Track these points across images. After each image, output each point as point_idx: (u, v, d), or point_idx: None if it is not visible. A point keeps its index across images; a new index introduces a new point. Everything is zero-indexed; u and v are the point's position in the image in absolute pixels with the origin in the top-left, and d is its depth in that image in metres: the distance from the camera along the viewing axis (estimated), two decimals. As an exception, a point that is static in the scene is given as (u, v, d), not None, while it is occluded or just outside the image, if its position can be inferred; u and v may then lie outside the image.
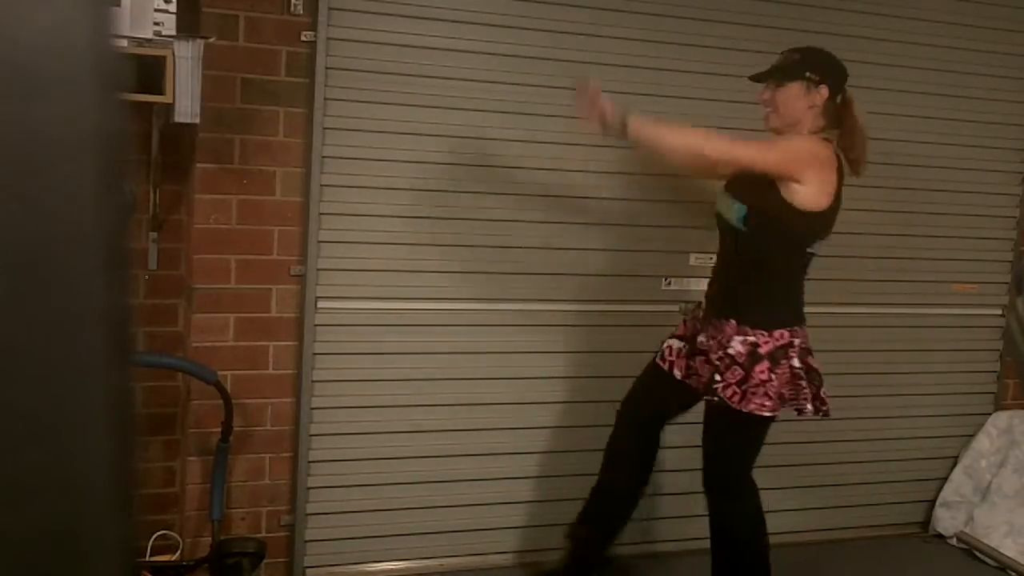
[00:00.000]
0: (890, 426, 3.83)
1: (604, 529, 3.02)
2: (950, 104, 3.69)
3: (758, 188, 2.61)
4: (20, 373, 0.63)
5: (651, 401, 2.96)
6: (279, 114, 3.00)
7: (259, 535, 3.10)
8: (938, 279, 3.81)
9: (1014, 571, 3.58)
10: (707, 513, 2.86)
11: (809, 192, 2.58)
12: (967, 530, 3.80)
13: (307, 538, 3.22)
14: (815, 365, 2.71)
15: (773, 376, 2.60)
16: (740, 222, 2.64)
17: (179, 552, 3.09)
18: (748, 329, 2.63)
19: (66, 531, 0.66)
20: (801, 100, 2.66)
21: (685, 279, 3.43)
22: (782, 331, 2.64)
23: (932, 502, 3.90)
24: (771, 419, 2.68)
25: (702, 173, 3.00)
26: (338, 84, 3.03)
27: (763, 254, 2.68)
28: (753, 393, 2.59)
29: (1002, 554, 3.63)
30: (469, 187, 3.19)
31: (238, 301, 3.03)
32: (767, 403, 2.60)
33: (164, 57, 2.68)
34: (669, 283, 3.45)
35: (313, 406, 3.14)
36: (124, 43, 2.62)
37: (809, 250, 2.69)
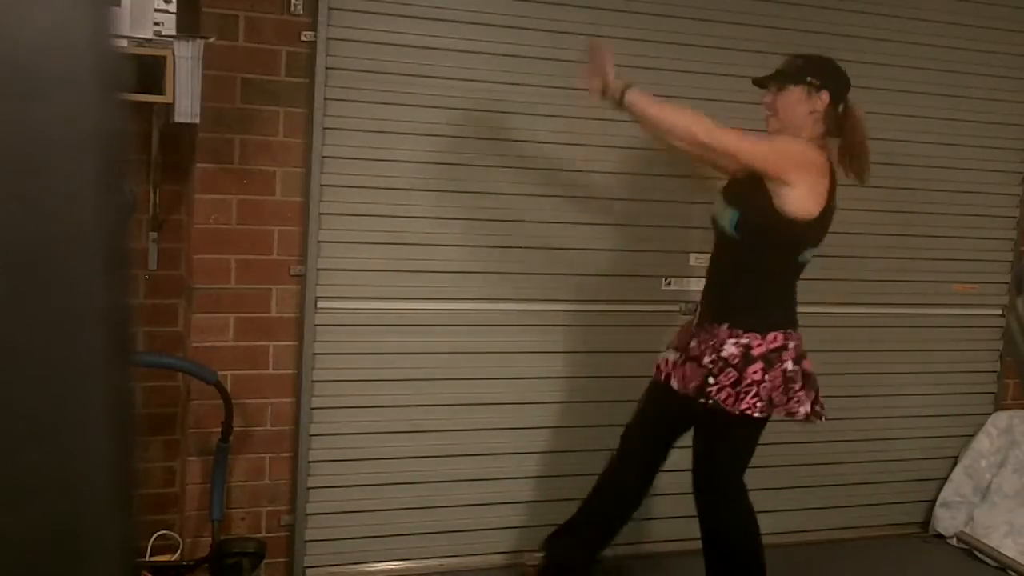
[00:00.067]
0: (890, 426, 3.83)
1: (603, 529, 3.01)
2: (950, 104, 3.69)
3: (750, 195, 2.61)
4: (20, 373, 0.63)
5: (653, 424, 2.92)
6: (279, 114, 3.00)
7: (259, 535, 3.10)
8: (938, 279, 3.81)
9: (1014, 571, 3.58)
10: (699, 514, 2.84)
11: (799, 199, 2.57)
12: (967, 530, 3.80)
13: (307, 538, 3.22)
14: (809, 369, 2.71)
15: (766, 378, 2.60)
16: (732, 228, 2.64)
17: (179, 552, 3.09)
18: (741, 332, 2.62)
19: (66, 531, 0.66)
20: (801, 105, 2.66)
21: (685, 279, 3.43)
22: (775, 333, 2.63)
23: (932, 502, 3.90)
24: (763, 422, 2.67)
25: (699, 159, 2.96)
26: (338, 84, 3.03)
27: (754, 260, 2.67)
28: (746, 393, 2.59)
29: (1002, 554, 3.63)
30: (469, 187, 3.19)
31: (238, 301, 3.03)
32: (759, 403, 2.59)
33: (164, 57, 2.68)
34: (669, 283, 3.45)
35: (313, 406, 3.14)
36: (124, 43, 2.62)
37: (799, 258, 2.69)
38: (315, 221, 3.05)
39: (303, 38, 2.98)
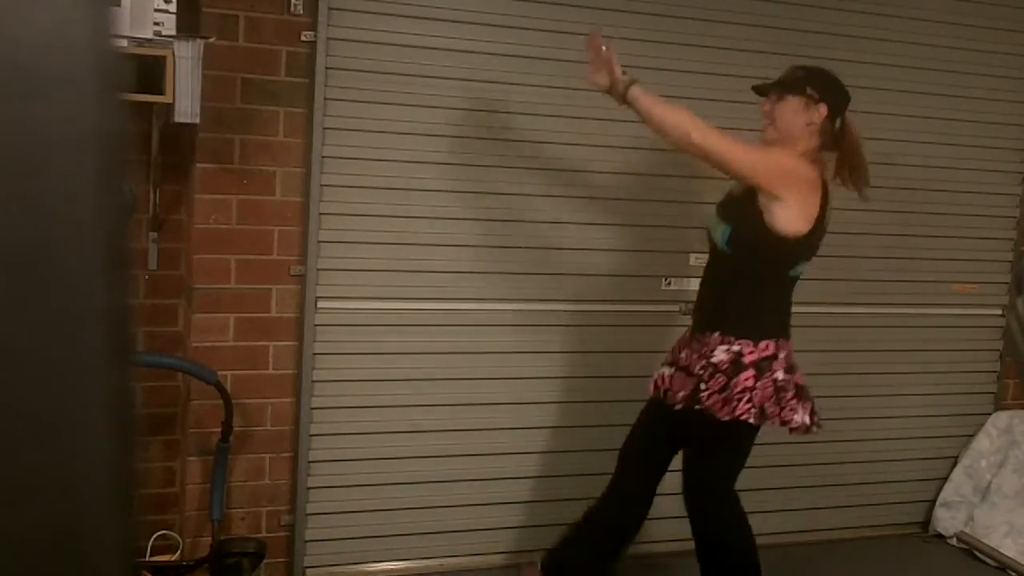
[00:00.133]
0: (890, 426, 3.83)
1: (617, 539, 2.96)
2: (950, 104, 3.69)
3: (742, 211, 2.62)
4: (20, 373, 0.63)
5: (650, 441, 2.87)
6: (279, 114, 3.00)
7: (259, 535, 3.10)
8: (938, 279, 3.81)
9: (1014, 571, 3.58)
10: (691, 518, 2.82)
11: (789, 216, 2.56)
12: (967, 530, 3.80)
13: (307, 538, 3.22)
14: (801, 381, 2.69)
15: (757, 385, 2.59)
16: (724, 244, 2.65)
17: (179, 552, 3.09)
18: (732, 339, 2.61)
19: (66, 531, 0.66)
20: (799, 115, 2.65)
21: (685, 279, 3.43)
22: (767, 341, 2.63)
23: (932, 502, 3.90)
24: (754, 428, 2.66)
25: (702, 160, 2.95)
26: (338, 84, 3.03)
27: (746, 274, 2.67)
28: (737, 399, 2.58)
29: (1002, 554, 3.63)
30: (469, 187, 3.20)
31: (238, 301, 3.03)
32: (752, 410, 2.57)
33: (164, 57, 2.68)
34: (669, 283, 3.45)
35: (313, 406, 3.14)
36: (124, 43, 2.62)
37: (791, 273, 2.68)
38: (315, 221, 3.05)
39: (303, 38, 2.98)
